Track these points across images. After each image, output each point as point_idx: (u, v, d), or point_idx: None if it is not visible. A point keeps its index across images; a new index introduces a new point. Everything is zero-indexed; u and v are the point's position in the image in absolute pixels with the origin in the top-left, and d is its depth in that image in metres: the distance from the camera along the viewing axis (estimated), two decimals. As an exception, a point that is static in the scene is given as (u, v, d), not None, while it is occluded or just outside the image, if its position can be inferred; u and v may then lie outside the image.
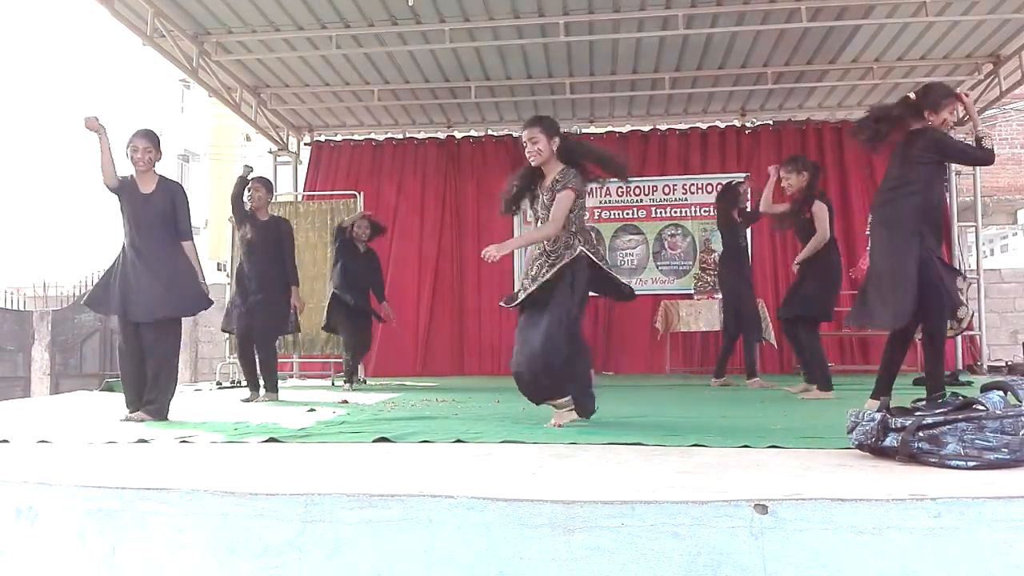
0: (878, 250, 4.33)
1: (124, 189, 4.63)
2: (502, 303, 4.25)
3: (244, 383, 6.73)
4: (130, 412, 4.54)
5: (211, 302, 4.85)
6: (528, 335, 3.90)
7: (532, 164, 4.08)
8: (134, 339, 4.60)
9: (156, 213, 4.62)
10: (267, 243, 6.11)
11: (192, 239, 4.85)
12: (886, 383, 4.38)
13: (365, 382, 8.14)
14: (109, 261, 4.71)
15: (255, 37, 8.08)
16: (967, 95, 4.45)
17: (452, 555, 2.06)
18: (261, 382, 6.21)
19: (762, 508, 2.00)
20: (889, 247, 4.25)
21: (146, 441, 3.60)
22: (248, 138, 24.47)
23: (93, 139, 4.53)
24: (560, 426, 3.87)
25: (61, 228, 20.56)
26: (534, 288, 3.95)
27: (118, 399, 4.76)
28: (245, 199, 6.17)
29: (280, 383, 8.80)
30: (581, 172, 4.04)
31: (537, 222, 4.11)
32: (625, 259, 10.00)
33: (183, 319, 4.85)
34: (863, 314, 4.39)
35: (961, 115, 4.24)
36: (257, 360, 6.21)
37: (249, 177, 6.15)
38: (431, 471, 2.67)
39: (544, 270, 3.96)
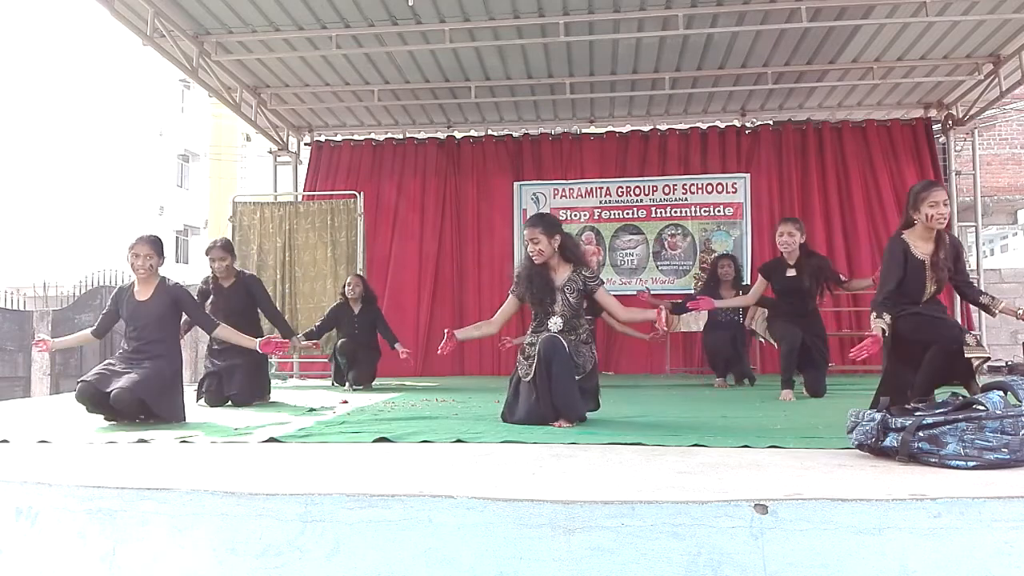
0: None
1: (120, 300, 4.62)
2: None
3: None
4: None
5: (184, 418, 4.58)
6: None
7: (537, 262, 4.21)
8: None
9: (152, 317, 4.53)
10: (239, 308, 5.81)
11: (219, 324, 4.94)
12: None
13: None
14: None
15: (255, 37, 8.08)
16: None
17: (452, 555, 2.06)
18: None
19: (762, 508, 2.00)
20: None
21: (146, 441, 3.60)
22: (248, 138, 24.54)
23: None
24: (560, 426, 3.88)
25: (61, 228, 20.57)
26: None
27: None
28: (211, 269, 5.87)
29: (280, 383, 8.85)
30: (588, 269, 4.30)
31: (548, 317, 4.21)
32: (625, 259, 10.00)
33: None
34: None
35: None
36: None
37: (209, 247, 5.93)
38: (431, 471, 2.67)
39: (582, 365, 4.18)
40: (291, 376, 9.85)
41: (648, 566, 1.98)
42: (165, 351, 4.57)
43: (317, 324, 7.59)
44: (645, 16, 7.56)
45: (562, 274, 4.24)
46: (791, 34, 8.03)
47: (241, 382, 5.66)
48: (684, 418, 4.39)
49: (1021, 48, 8.18)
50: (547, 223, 4.26)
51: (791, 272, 5.86)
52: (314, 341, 6.80)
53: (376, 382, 7.75)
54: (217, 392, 5.67)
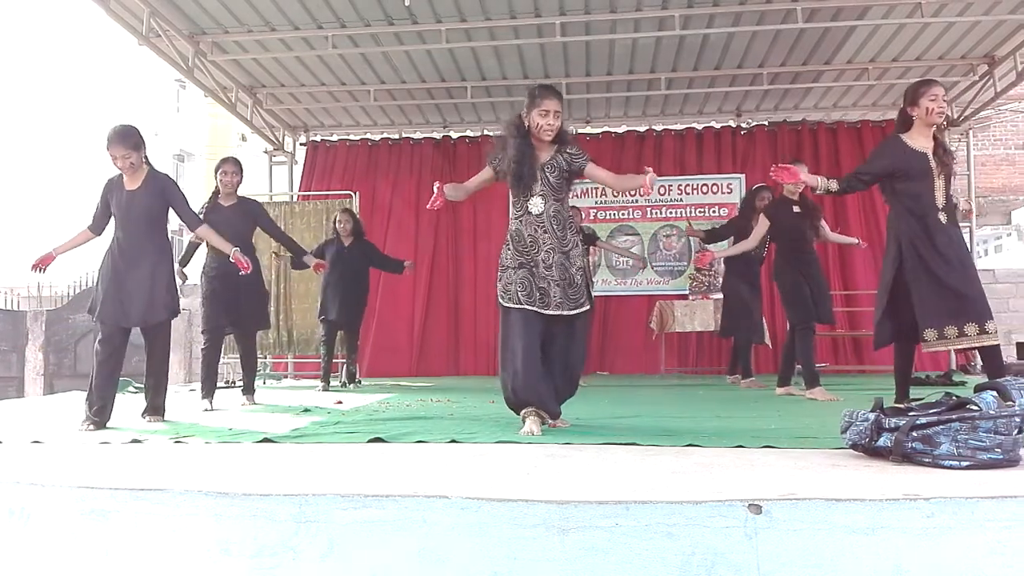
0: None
1: (111, 188, 4.51)
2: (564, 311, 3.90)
3: (238, 383, 6.68)
4: (93, 420, 4.22)
5: (179, 310, 4.66)
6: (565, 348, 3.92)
7: (546, 139, 3.91)
8: (122, 347, 4.44)
9: (141, 210, 4.45)
10: (238, 230, 5.44)
11: (203, 223, 4.88)
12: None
13: (345, 384, 7.95)
14: (98, 261, 4.57)
15: (251, 37, 8.07)
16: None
17: (446, 555, 2.06)
18: (222, 383, 5.94)
19: (756, 508, 2.00)
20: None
21: (139, 441, 3.59)
22: (244, 138, 24.44)
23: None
24: (555, 426, 3.87)
25: (55, 228, 20.49)
26: (573, 312, 3.88)
27: (120, 400, 4.67)
28: (220, 183, 5.60)
29: (275, 383, 8.84)
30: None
31: (527, 199, 3.93)
32: (620, 260, 10.00)
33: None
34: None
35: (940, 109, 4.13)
36: (240, 359, 5.89)
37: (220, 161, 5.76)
38: (425, 471, 2.66)
39: (586, 294, 3.93)
40: (285, 376, 9.84)
41: (642, 566, 1.98)
42: (160, 248, 4.52)
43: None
44: (641, 16, 7.57)
45: (544, 154, 3.95)
46: (787, 35, 8.04)
47: (246, 309, 5.55)
48: (678, 418, 4.40)
49: (1016, 49, 8.21)
50: (562, 97, 4.01)
51: (797, 208, 5.85)
52: (317, 261, 6.48)
53: (370, 382, 7.72)
54: (216, 321, 5.54)
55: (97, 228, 4.62)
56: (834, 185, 4.27)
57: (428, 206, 4.08)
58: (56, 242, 4.66)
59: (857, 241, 6.47)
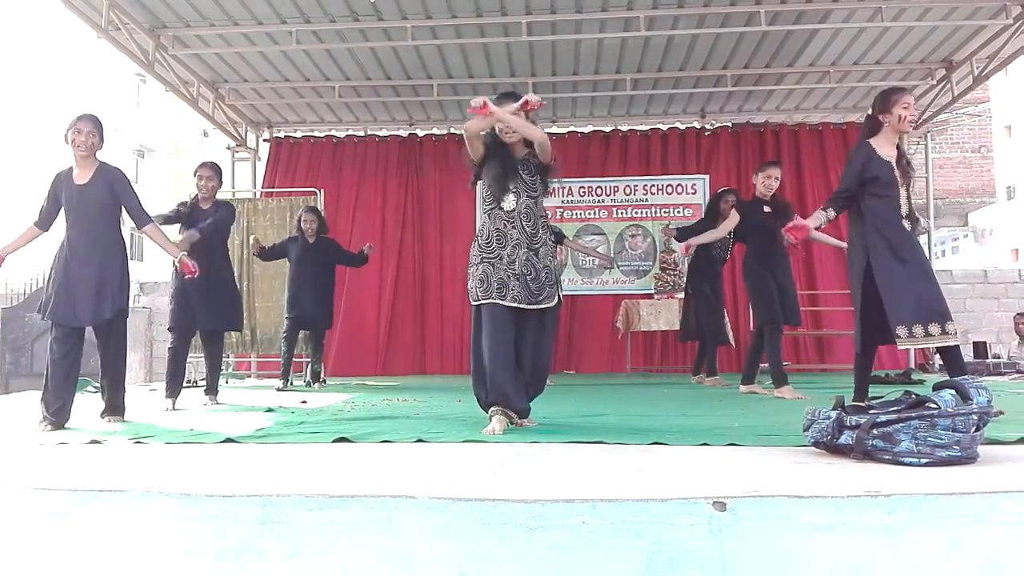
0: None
1: (60, 183, 4.36)
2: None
3: (200, 382, 6.59)
4: (51, 420, 4.13)
5: (126, 310, 4.46)
6: (537, 342, 3.95)
7: (508, 141, 3.91)
8: (77, 345, 4.33)
9: (94, 204, 4.32)
10: (216, 235, 5.57)
11: (152, 222, 4.59)
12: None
13: (309, 383, 7.83)
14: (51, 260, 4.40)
15: (213, 31, 7.96)
16: None
17: (413, 556, 2.05)
18: (188, 382, 5.84)
19: (721, 505, 2.02)
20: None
21: (99, 442, 3.52)
22: (206, 134, 24.17)
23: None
24: (522, 425, 3.87)
25: (10, 225, 20.03)
26: (545, 307, 3.88)
27: (79, 400, 4.57)
28: (196, 187, 5.65)
29: (238, 382, 8.74)
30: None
31: (503, 195, 3.89)
32: (587, 259, 10.04)
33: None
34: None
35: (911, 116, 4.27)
36: (205, 358, 5.82)
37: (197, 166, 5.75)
38: (391, 471, 2.65)
39: (549, 291, 3.90)
40: (249, 376, 9.73)
41: (609, 564, 1.98)
42: (111, 244, 4.35)
43: (266, 248, 7.48)
44: (607, 17, 7.61)
45: (519, 151, 3.97)
46: (750, 37, 8.13)
47: (214, 309, 5.49)
48: (644, 416, 4.42)
49: (973, 54, 8.39)
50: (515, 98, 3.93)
51: (767, 208, 5.98)
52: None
53: (335, 381, 7.66)
54: (185, 319, 5.47)
55: (44, 224, 4.45)
56: (831, 212, 4.34)
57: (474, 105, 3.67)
58: (4, 239, 4.49)
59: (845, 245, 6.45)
